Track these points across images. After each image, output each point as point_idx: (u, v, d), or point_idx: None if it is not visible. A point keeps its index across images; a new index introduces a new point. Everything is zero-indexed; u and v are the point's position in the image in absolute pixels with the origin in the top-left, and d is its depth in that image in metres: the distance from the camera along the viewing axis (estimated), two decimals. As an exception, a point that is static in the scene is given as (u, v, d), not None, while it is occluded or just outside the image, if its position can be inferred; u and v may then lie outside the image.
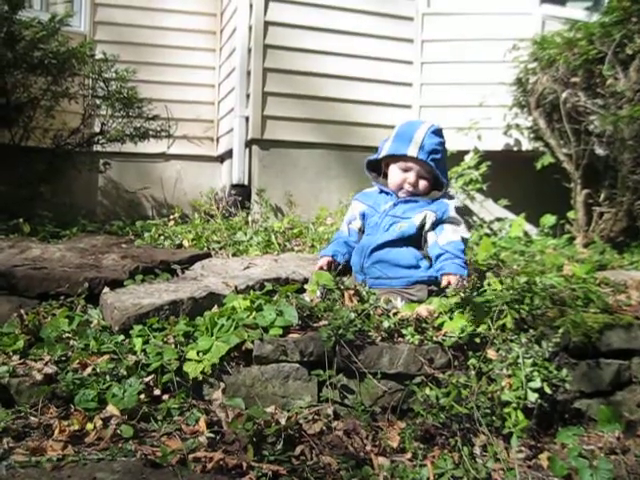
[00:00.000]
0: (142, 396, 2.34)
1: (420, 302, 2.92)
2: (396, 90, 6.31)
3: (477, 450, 2.33)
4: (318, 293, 2.96)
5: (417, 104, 6.35)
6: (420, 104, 6.34)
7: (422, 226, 3.09)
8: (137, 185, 6.77)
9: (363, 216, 3.30)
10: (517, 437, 2.36)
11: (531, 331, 2.61)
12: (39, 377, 2.38)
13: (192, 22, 7.01)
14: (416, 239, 3.10)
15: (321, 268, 3.21)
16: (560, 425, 2.57)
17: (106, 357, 2.55)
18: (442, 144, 3.19)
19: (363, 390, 2.50)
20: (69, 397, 2.35)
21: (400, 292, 2.99)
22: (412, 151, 3.12)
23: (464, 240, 3.07)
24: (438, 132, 3.19)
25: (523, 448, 2.38)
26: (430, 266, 3.05)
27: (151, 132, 6.17)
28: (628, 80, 4.62)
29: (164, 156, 6.84)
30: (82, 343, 2.69)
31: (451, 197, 3.27)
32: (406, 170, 3.18)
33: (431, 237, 3.07)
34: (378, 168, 3.35)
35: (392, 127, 3.37)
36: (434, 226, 3.08)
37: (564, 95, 5.00)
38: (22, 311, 2.92)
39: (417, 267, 3.04)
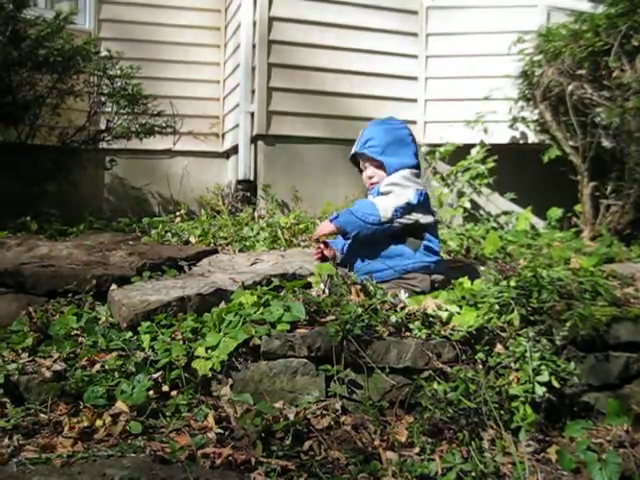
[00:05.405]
0: (151, 392, 2.35)
1: (424, 293, 2.93)
2: (401, 84, 6.30)
3: (485, 444, 2.33)
4: (322, 285, 2.96)
5: (422, 98, 6.34)
6: (425, 98, 6.33)
7: None
8: (143, 182, 6.77)
9: None
10: (525, 431, 2.37)
11: (539, 325, 2.61)
12: (48, 374, 2.39)
13: (196, 18, 7.00)
14: (385, 230, 3.05)
15: (318, 248, 3.33)
16: (568, 419, 2.57)
17: (114, 354, 2.56)
18: (384, 130, 3.24)
19: (371, 385, 2.51)
20: (78, 394, 2.36)
21: (399, 284, 2.99)
22: (354, 148, 3.28)
23: (386, 203, 3.00)
24: (379, 122, 3.31)
25: (531, 442, 2.38)
26: (424, 253, 3.07)
27: (156, 128, 6.16)
28: (634, 72, 4.60)
29: (170, 152, 6.84)
30: (90, 340, 2.70)
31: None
32: (364, 168, 3.30)
33: None
34: None
35: (397, 121, 3.39)
36: None
37: (570, 87, 4.98)
38: (30, 309, 2.94)
39: (400, 256, 3.04)
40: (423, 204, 3.08)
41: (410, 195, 3.01)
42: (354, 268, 3.14)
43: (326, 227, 3.16)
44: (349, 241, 3.19)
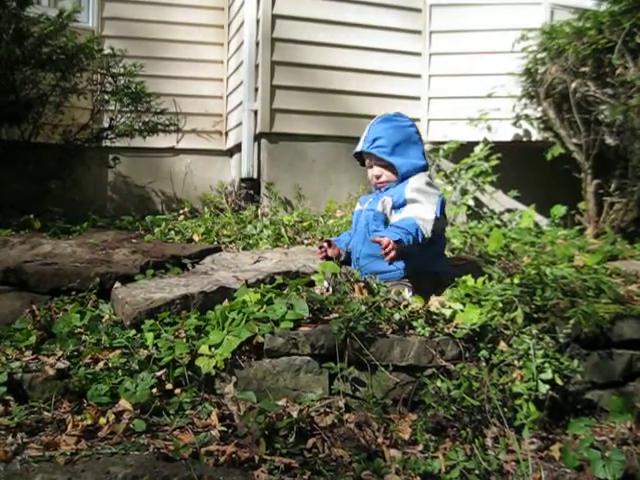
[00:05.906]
0: (154, 390, 2.36)
1: (427, 292, 2.92)
2: (405, 82, 6.28)
3: (489, 442, 2.33)
4: (325, 283, 2.96)
5: (426, 96, 6.33)
6: (429, 96, 6.32)
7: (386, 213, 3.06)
8: (147, 180, 6.78)
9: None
10: (529, 429, 2.37)
11: (542, 322, 2.61)
12: (52, 372, 2.40)
13: (199, 16, 7.01)
14: None
15: (321, 247, 3.25)
16: (572, 416, 2.57)
17: (118, 352, 2.57)
18: (392, 128, 3.15)
19: (374, 382, 2.51)
20: (82, 392, 2.37)
21: (403, 282, 2.98)
22: (360, 146, 3.19)
23: (424, 219, 2.88)
24: (387, 119, 3.19)
25: (535, 439, 2.38)
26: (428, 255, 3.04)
27: (160, 126, 6.18)
28: (638, 69, 4.59)
29: (173, 150, 6.85)
30: (94, 338, 2.71)
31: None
32: (370, 166, 3.22)
33: (392, 220, 3.01)
34: None
35: (401, 119, 3.37)
36: (396, 210, 3.04)
37: (573, 85, 4.97)
38: (34, 307, 2.95)
39: (407, 256, 2.96)
40: (443, 212, 3.07)
41: (435, 207, 2.95)
42: (358, 266, 3.12)
43: (394, 249, 2.73)
44: (355, 239, 3.18)
